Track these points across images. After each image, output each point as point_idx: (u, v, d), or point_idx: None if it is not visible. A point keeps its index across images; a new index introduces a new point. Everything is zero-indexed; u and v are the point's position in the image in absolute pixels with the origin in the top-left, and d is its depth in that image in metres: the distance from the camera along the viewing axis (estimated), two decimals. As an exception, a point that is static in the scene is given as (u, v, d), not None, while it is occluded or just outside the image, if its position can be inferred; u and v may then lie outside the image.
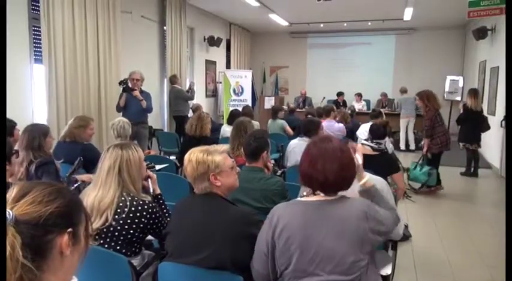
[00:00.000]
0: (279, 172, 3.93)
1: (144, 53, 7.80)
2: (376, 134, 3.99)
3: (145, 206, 2.10)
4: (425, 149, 5.82)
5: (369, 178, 1.88)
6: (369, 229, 1.61)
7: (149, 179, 2.38)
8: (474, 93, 6.69)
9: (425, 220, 4.93)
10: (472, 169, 7.09)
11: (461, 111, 7.00)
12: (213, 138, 5.96)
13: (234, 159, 2.17)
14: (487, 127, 6.87)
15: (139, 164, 2.18)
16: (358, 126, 6.23)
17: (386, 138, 4.85)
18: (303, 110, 10.94)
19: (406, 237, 4.16)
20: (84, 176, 3.37)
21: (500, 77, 7.66)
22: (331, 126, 6.11)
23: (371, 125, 4.37)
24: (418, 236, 4.33)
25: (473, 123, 6.53)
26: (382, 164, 3.65)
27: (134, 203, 2.09)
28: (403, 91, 9.85)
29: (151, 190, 2.36)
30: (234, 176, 2.04)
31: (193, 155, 1.97)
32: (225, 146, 2.07)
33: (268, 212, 1.76)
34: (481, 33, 8.55)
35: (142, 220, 2.08)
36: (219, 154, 1.98)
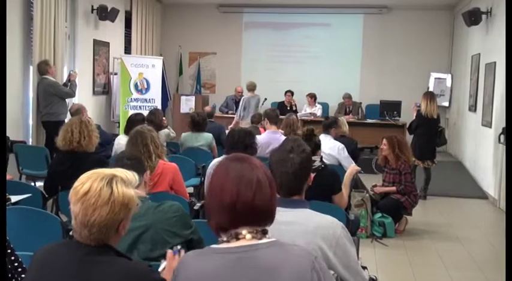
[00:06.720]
0: (198, 205, 3.94)
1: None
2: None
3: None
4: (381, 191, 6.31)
5: None
6: None
7: None
8: (430, 96, 7.71)
9: (400, 271, 5.11)
10: (423, 191, 7.87)
11: (414, 117, 7.90)
12: (104, 155, 5.86)
13: None
14: (443, 141, 7.93)
15: None
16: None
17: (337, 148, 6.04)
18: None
19: (374, 295, 4.29)
20: None
21: (497, 77, 8.02)
22: (275, 140, 6.19)
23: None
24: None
25: (427, 133, 7.16)
26: (325, 183, 4.19)
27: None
28: (251, 89, 10.60)
29: None
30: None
31: (115, 187, 1.84)
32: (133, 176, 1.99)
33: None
34: (473, 17, 9.09)
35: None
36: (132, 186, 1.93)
